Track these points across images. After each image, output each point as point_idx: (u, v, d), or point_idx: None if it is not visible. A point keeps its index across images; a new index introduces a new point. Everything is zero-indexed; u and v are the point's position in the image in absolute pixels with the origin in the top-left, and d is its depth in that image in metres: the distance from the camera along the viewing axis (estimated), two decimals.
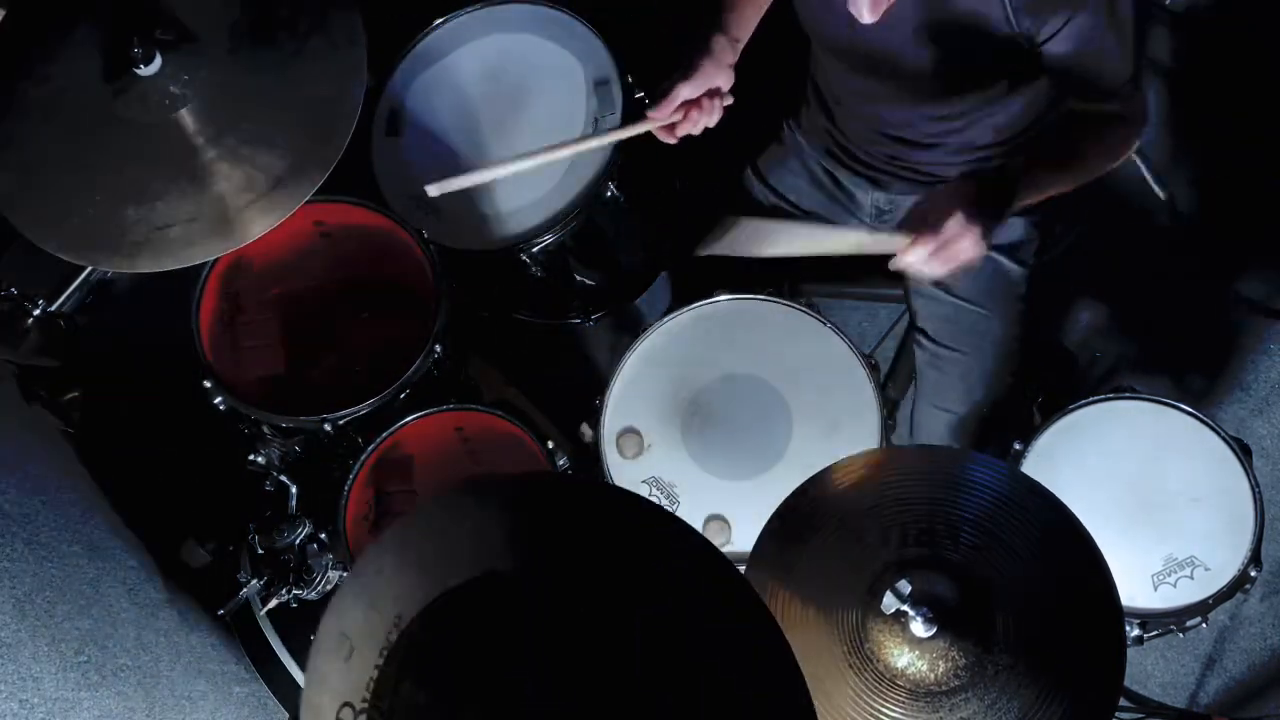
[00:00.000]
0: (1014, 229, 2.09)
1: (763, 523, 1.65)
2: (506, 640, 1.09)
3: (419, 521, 1.21)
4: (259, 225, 1.92)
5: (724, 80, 2.00)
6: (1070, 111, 1.92)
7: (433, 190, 2.02)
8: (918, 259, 1.73)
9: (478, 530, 1.15)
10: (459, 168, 2.13)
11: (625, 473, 2.07)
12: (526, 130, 2.30)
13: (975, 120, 1.93)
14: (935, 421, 2.21)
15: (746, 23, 2.04)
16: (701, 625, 1.16)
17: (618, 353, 2.14)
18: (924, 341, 2.20)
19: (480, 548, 1.12)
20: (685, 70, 1.98)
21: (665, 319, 2.14)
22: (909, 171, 2.07)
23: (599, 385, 2.13)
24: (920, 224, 1.74)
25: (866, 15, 1.65)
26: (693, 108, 1.98)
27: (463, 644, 1.09)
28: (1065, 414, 2.03)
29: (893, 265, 1.76)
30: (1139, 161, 1.91)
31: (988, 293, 2.10)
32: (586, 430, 2.20)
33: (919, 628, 1.51)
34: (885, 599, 1.53)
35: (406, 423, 2.14)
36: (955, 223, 1.71)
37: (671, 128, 2.01)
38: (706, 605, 1.16)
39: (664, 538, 1.18)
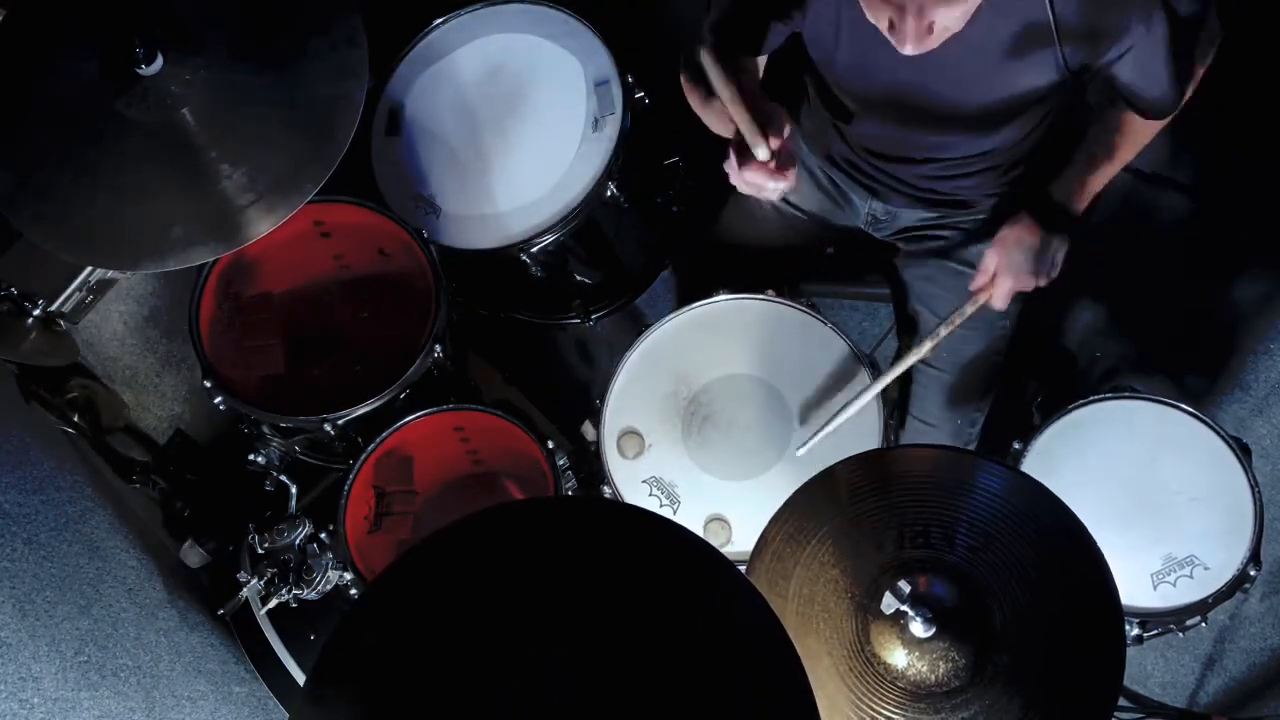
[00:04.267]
0: None
1: (763, 523, 1.65)
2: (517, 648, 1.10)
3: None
4: (259, 225, 1.92)
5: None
6: (1099, 113, 1.92)
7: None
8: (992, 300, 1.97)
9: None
10: (464, 172, 2.08)
11: (625, 473, 2.07)
12: (526, 130, 2.30)
13: (999, 142, 1.93)
14: (917, 434, 2.22)
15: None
16: (706, 627, 1.16)
17: (618, 353, 2.14)
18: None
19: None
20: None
21: (665, 319, 2.13)
22: (909, 187, 2.06)
23: (599, 385, 2.13)
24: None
25: (909, 48, 1.57)
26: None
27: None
28: (1065, 414, 2.04)
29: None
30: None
31: (970, 316, 2.11)
32: (589, 428, 2.20)
33: (918, 628, 1.52)
34: (885, 600, 1.53)
35: (406, 423, 2.14)
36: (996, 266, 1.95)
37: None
38: (711, 608, 1.16)
39: (666, 545, 1.18)
